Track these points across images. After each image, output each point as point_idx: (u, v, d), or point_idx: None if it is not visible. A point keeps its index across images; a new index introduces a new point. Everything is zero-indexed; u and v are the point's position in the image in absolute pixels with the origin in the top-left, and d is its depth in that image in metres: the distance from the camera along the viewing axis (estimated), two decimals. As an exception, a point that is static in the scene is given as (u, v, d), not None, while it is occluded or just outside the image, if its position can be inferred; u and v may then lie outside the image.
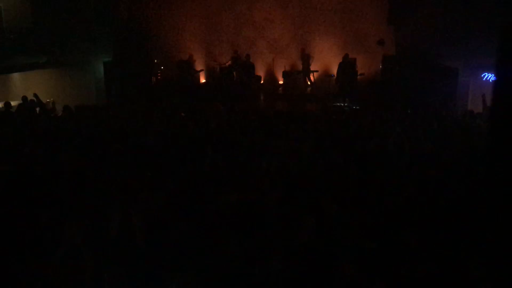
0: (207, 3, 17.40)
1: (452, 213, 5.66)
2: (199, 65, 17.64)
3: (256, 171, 6.98)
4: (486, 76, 14.68)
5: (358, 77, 15.86)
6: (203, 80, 18.07)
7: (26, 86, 16.66)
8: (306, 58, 16.96)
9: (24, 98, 12.56)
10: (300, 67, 17.24)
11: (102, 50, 17.15)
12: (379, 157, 7.79)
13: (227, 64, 16.83)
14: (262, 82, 17.43)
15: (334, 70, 16.25)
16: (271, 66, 17.54)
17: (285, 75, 17.11)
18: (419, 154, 7.98)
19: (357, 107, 15.13)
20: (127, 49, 16.79)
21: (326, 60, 17.27)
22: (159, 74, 17.55)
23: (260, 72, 17.52)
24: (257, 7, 17.38)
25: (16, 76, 17.43)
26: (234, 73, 16.50)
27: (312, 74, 17.07)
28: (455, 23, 15.23)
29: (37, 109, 12.07)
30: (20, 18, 16.92)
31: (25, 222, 5.36)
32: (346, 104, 15.57)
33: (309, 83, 17.26)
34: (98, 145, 8.32)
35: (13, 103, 12.49)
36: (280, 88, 17.50)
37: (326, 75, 16.95)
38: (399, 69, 15.65)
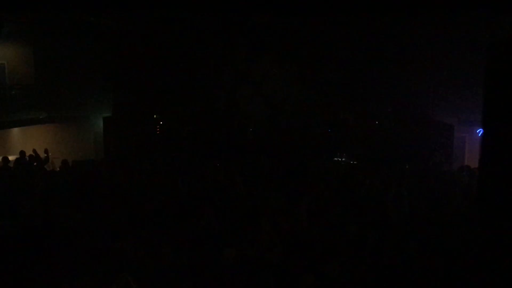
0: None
1: (451, 268, 5.60)
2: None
3: (255, 228, 6.92)
4: (481, 132, 14.83)
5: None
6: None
7: (25, 140, 16.76)
8: None
9: (22, 153, 12.60)
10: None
11: (101, 106, 17.38)
12: (378, 214, 7.75)
13: None
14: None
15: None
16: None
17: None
18: (417, 210, 7.96)
19: (355, 162, 15.19)
20: (126, 105, 16.99)
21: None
22: (158, 129, 17.68)
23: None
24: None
25: (15, 131, 17.56)
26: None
27: None
28: (450, 80, 15.58)
29: (35, 164, 12.09)
30: (23, 75, 17.26)
31: (22, 278, 5.28)
32: (343, 159, 15.64)
33: None
34: (95, 201, 8.28)
35: (11, 158, 12.51)
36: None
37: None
38: (395, 125, 15.84)
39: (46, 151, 12.67)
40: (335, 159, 15.72)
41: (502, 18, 13.22)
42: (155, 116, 17.59)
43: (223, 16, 15.73)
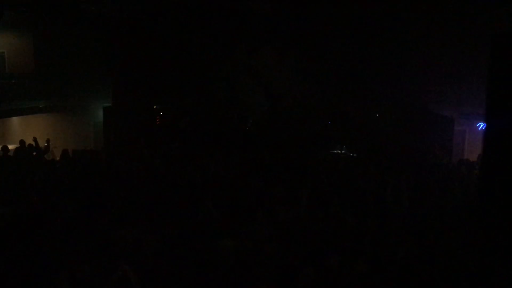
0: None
1: (450, 264, 5.61)
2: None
3: (253, 219, 6.92)
4: (482, 125, 14.84)
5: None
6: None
7: (25, 130, 16.74)
8: None
9: (22, 142, 12.57)
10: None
11: (101, 95, 17.35)
12: (377, 208, 7.75)
13: None
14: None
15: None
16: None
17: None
18: (416, 203, 7.96)
19: (354, 155, 15.18)
20: (126, 95, 16.94)
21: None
22: (157, 120, 17.64)
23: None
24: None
25: (15, 120, 17.54)
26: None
27: None
28: (451, 73, 15.54)
29: (34, 153, 12.08)
30: (22, 64, 17.21)
31: (19, 268, 5.29)
32: (343, 152, 15.63)
33: None
34: (94, 190, 8.28)
35: (11, 147, 12.49)
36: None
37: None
38: (395, 117, 15.81)
39: (47, 141, 12.65)
40: (335, 151, 15.70)
41: (503, 11, 13.17)
42: (155, 106, 17.55)
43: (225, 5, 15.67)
